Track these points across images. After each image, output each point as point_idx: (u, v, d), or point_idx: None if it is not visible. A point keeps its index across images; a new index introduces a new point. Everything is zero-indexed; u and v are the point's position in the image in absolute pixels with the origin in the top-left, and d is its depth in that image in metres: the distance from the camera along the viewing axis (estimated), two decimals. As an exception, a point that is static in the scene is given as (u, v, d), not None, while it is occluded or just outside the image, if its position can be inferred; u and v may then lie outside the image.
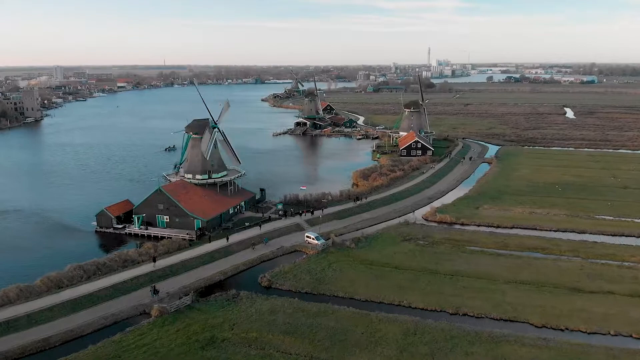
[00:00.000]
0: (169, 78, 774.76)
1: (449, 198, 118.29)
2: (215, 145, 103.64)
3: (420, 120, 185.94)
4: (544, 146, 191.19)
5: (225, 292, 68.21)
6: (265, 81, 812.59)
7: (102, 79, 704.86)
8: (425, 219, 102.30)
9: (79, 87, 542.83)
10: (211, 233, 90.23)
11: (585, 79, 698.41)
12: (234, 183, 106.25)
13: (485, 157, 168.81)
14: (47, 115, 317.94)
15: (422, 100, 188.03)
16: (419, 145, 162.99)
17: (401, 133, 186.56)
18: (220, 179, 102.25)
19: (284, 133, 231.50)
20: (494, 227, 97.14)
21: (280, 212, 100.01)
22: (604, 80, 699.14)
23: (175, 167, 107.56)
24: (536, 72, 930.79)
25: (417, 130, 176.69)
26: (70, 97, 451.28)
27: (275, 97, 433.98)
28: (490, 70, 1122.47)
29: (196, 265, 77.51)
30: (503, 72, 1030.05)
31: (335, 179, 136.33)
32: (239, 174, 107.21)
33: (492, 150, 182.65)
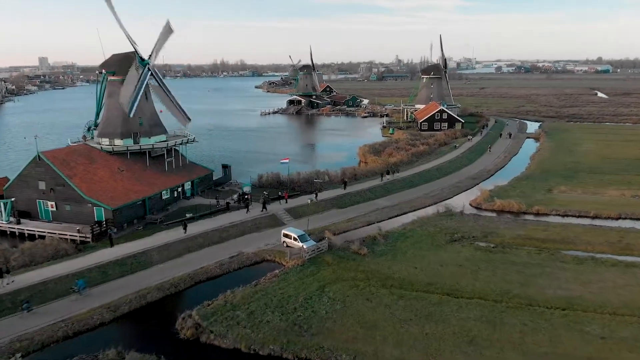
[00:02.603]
0: (160, 70, 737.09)
1: (500, 178, 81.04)
2: (146, 95, 66.41)
3: (442, 89, 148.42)
4: (593, 122, 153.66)
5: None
6: (263, 74, 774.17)
7: (89, 69, 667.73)
8: (477, 207, 65.05)
9: (61, 77, 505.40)
10: (122, 230, 53.31)
11: (599, 68, 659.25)
12: (177, 153, 69.00)
13: (527, 132, 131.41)
14: (10, 100, 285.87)
15: (445, 65, 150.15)
16: (445, 117, 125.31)
17: (417, 106, 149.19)
18: (151, 146, 64.72)
19: (275, 112, 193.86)
20: (589, 217, 60.27)
21: (244, 198, 62.46)
22: (618, 70, 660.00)
23: (88, 129, 69.99)
24: (544, 63, 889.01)
25: (438, 102, 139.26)
26: (47, 86, 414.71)
27: (270, 84, 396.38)
28: (495, 65, 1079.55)
29: (64, 291, 40.34)
30: (508, 65, 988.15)
31: (335, 158, 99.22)
32: (185, 138, 69.72)
33: (532, 126, 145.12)
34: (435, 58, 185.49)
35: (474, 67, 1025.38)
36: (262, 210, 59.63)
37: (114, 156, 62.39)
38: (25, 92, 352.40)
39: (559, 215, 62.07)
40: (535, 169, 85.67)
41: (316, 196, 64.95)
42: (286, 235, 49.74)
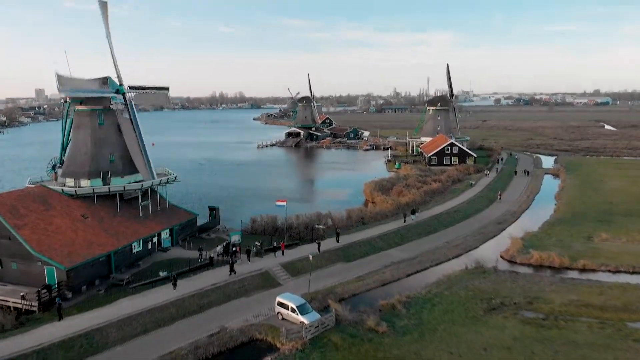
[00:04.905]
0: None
1: (528, 221, 70.92)
2: (119, 127, 56.57)
3: (449, 121, 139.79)
4: (610, 155, 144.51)
5: None
6: (262, 106, 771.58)
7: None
8: (510, 260, 54.65)
9: (56, 109, 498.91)
10: (80, 295, 42.81)
11: (599, 100, 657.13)
12: (155, 195, 58.77)
13: (543, 167, 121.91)
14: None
15: (452, 95, 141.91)
16: (455, 150, 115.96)
17: (423, 139, 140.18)
18: (122, 187, 54.43)
19: (272, 145, 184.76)
20: (650, 274, 50.03)
21: (231, 251, 52.10)
22: (618, 102, 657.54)
23: (52, 167, 60.01)
24: (541, 96, 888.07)
25: (446, 134, 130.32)
26: (41, 117, 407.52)
27: (268, 116, 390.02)
28: (492, 97, 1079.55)
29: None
30: (506, 98, 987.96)
31: (337, 196, 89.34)
32: (165, 178, 59.49)
33: (546, 160, 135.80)
34: (432, 91, 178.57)
35: (472, 99, 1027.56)
36: (248, 261, 49.60)
37: (78, 200, 52.15)
38: (17, 124, 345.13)
39: (609, 271, 51.76)
40: (565, 212, 75.52)
41: (319, 246, 54.56)
42: (281, 305, 39.14)
